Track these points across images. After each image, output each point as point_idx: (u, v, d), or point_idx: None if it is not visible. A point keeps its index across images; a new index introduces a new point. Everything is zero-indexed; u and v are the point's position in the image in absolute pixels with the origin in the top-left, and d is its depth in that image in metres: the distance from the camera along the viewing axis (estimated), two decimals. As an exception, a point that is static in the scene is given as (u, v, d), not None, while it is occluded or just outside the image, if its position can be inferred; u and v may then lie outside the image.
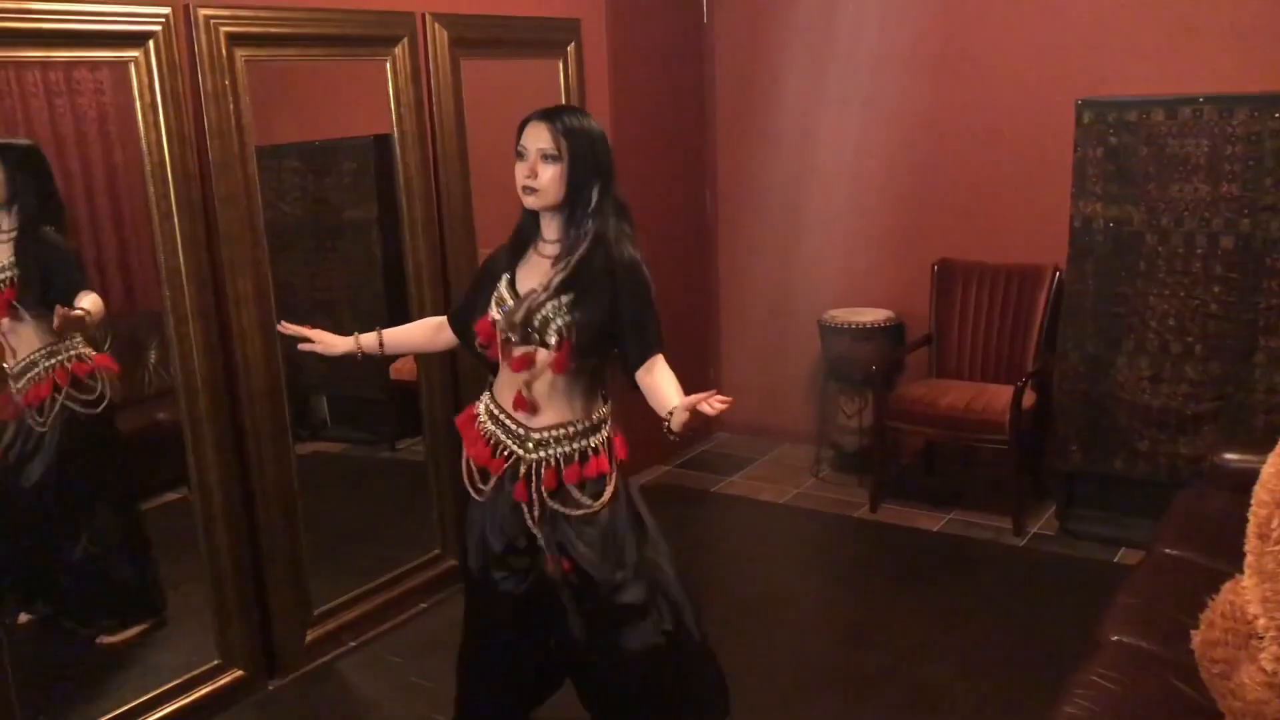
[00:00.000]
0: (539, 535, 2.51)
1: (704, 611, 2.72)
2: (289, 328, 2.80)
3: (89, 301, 3.18)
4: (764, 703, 3.23)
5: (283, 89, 4.47)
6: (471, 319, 2.59)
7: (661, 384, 2.35)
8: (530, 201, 2.42)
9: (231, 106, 3.18)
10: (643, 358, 2.40)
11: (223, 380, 3.24)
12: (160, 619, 3.54)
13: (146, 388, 4.49)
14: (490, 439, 2.55)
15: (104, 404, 3.38)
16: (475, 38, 3.96)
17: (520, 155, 2.41)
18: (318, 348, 2.76)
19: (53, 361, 3.31)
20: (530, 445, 2.50)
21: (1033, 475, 4.63)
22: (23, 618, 3.47)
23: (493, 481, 2.55)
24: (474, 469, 2.58)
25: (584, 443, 2.50)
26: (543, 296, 2.41)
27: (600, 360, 2.50)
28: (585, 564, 2.50)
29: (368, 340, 2.74)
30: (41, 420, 3.30)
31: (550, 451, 2.49)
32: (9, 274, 3.23)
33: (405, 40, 3.70)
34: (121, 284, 4.12)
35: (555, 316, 2.40)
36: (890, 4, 4.95)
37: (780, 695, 3.28)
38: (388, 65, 3.69)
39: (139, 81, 2.97)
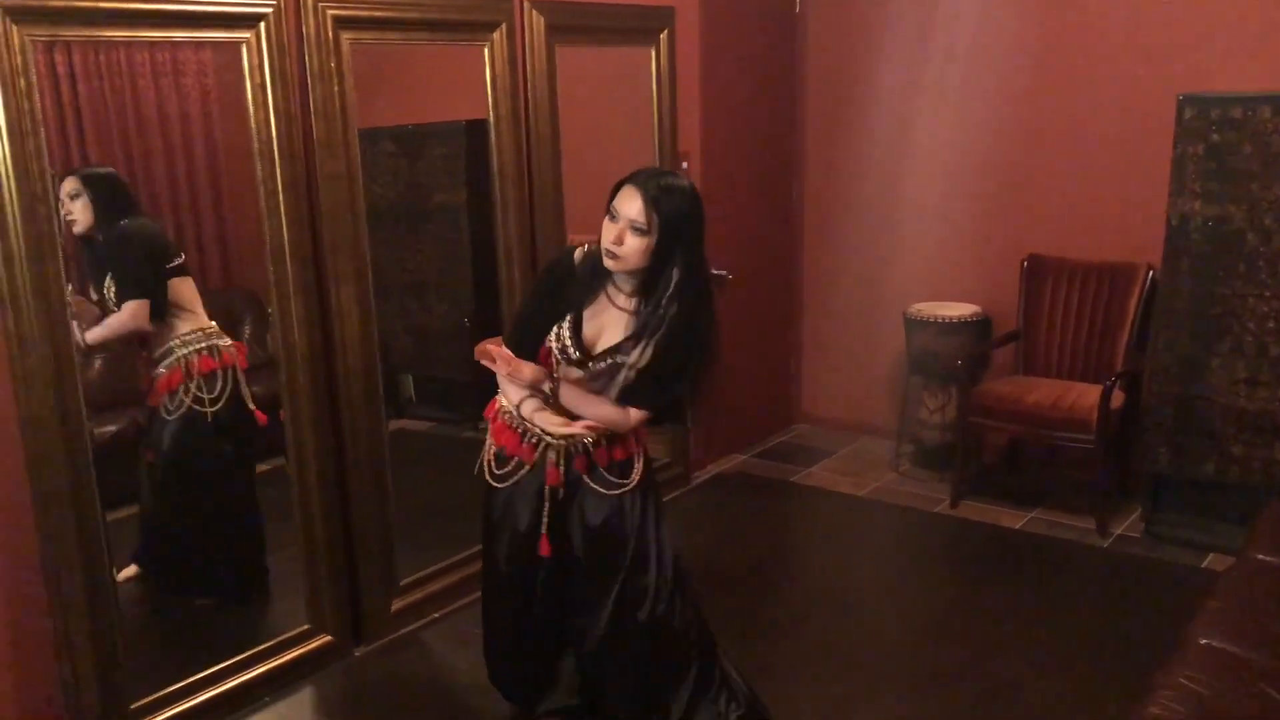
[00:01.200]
0: (545, 519, 2.67)
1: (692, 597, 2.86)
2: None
3: (118, 318, 3.34)
4: (839, 694, 3.24)
5: (378, 73, 4.57)
6: (538, 340, 2.63)
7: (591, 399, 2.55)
8: (611, 265, 2.47)
9: (336, 88, 3.27)
10: (624, 398, 2.53)
11: (322, 355, 3.34)
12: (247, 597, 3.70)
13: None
14: (517, 426, 2.65)
15: (222, 402, 3.52)
16: (571, 24, 4.02)
17: (611, 216, 2.45)
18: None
19: (186, 351, 3.47)
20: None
21: (1119, 477, 4.56)
22: (124, 574, 3.62)
23: (512, 465, 2.68)
24: (493, 459, 2.70)
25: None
26: (621, 367, 2.53)
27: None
28: (601, 545, 2.68)
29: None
30: (170, 410, 3.47)
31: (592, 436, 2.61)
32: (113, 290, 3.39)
33: (504, 26, 3.76)
34: (219, 260, 4.25)
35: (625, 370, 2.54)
36: (987, -5, 4.91)
37: (856, 687, 3.28)
38: (485, 51, 3.75)
39: (250, 62, 3.06)
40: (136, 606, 3.61)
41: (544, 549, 2.67)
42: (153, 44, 3.68)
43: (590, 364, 2.55)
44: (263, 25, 3.05)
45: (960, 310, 4.89)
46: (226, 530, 3.69)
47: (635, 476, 2.67)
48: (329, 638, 3.44)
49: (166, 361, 3.46)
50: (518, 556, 2.75)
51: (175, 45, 3.76)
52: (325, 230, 3.31)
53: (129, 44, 3.63)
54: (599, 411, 2.54)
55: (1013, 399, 4.47)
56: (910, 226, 5.26)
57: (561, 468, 2.64)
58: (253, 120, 3.11)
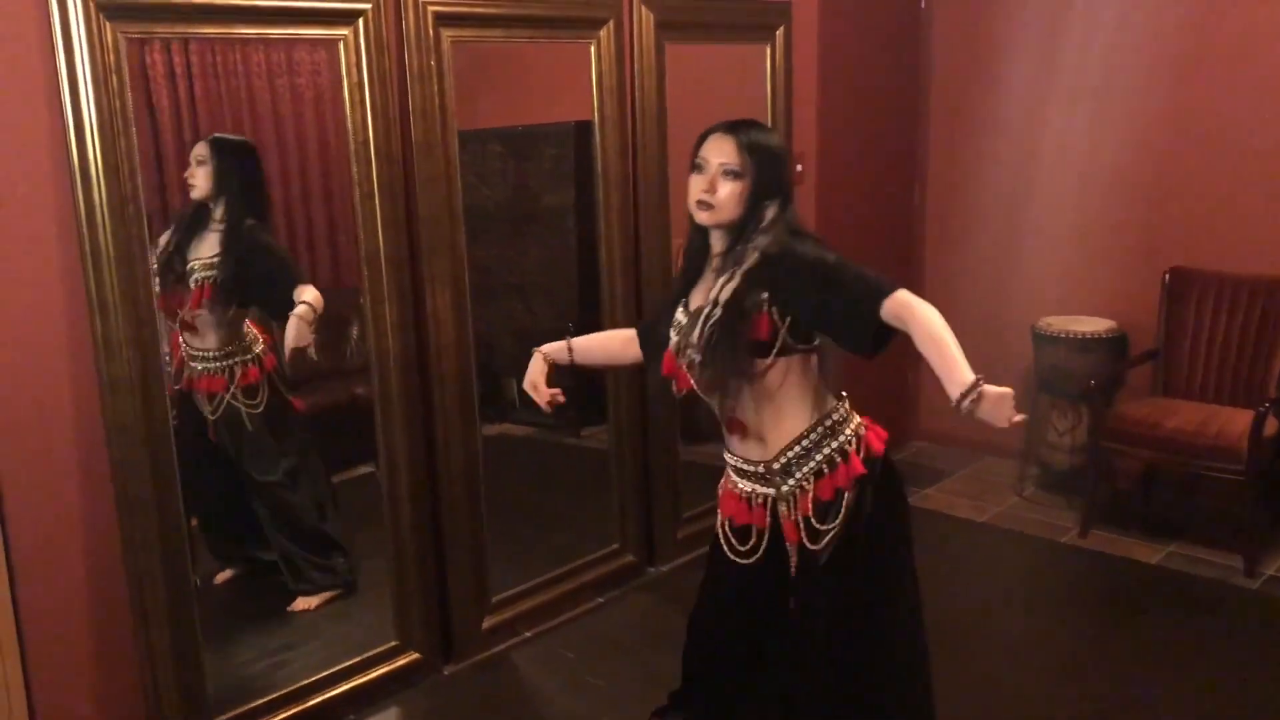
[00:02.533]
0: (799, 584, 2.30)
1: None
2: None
3: (309, 295, 3.23)
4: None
5: (486, 72, 4.48)
6: (659, 346, 2.40)
7: (938, 341, 1.96)
8: (703, 217, 2.22)
9: (436, 87, 3.16)
10: (875, 308, 2.02)
11: (415, 361, 3.23)
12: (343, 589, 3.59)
13: (348, 362, 4.61)
14: (741, 493, 2.35)
15: (263, 407, 3.45)
16: (682, 21, 3.85)
17: (698, 168, 2.22)
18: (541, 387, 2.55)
19: (230, 362, 3.40)
20: (778, 478, 2.26)
21: (1270, 510, 4.16)
22: (220, 577, 3.59)
23: (754, 538, 2.33)
24: (729, 532, 2.38)
25: (830, 447, 2.22)
26: (711, 310, 2.20)
27: (795, 352, 2.21)
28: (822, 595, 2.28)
29: (556, 349, 2.57)
30: (212, 410, 3.39)
31: (799, 475, 2.24)
32: (213, 272, 3.31)
33: (611, 23, 3.61)
34: (330, 260, 4.22)
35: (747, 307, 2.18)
36: (1130, -13, 4.55)
37: (973, 732, 3.03)
38: (592, 48, 3.61)
39: (347, 60, 2.97)
40: (225, 611, 3.59)
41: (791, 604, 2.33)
42: (268, 43, 3.67)
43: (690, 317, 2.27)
44: (361, 22, 2.96)
45: (1094, 325, 4.55)
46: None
47: (838, 520, 2.21)
48: (416, 655, 3.33)
49: (214, 366, 3.39)
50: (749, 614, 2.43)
51: (290, 44, 3.75)
52: (422, 234, 3.20)
53: (244, 43, 3.62)
54: (952, 348, 1.97)
55: (1151, 423, 4.12)
56: (1040, 234, 4.93)
57: (793, 514, 2.26)
58: (349, 120, 3.02)
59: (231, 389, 3.38)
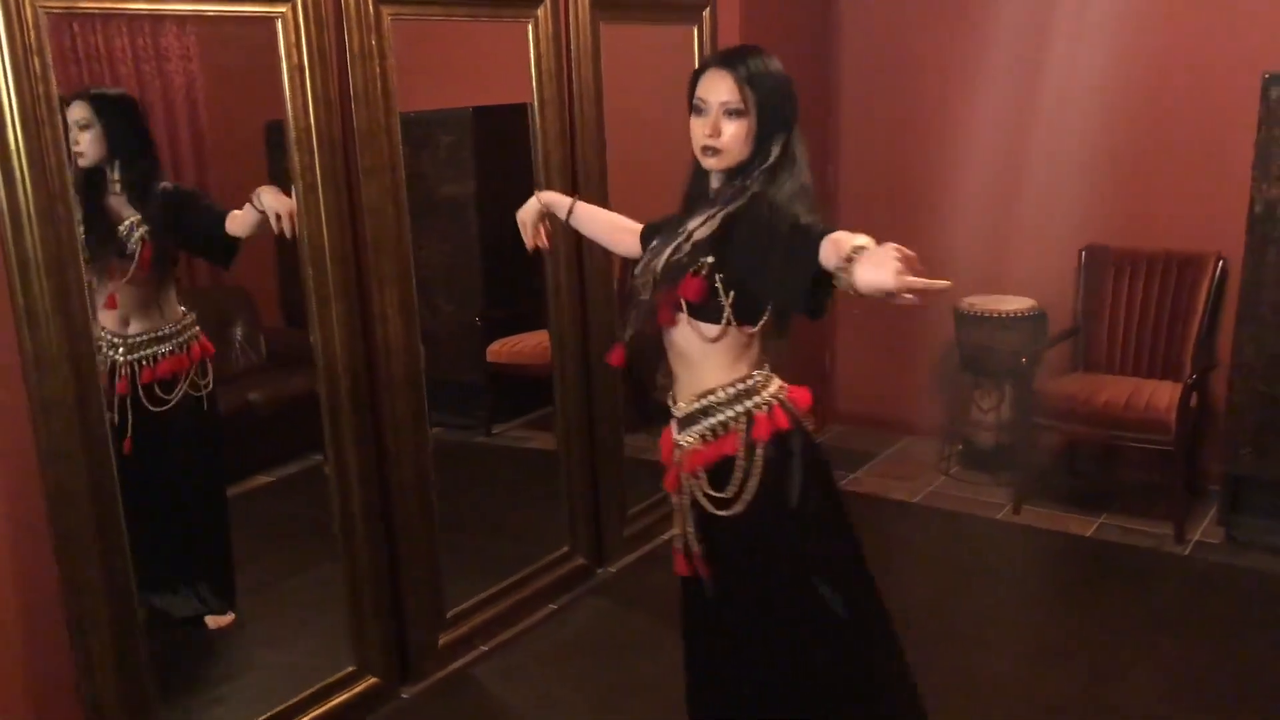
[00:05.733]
0: (686, 531, 2.15)
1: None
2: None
3: (269, 197, 2.91)
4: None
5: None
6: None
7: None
8: (711, 163, 2.04)
9: (378, 69, 2.93)
10: (814, 254, 1.78)
11: (364, 366, 2.99)
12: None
13: (234, 366, 4.32)
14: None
15: (210, 388, 3.24)
16: (616, 0, 3.69)
17: (698, 110, 2.04)
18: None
19: (183, 339, 3.13)
20: (680, 425, 2.15)
21: (1187, 478, 4.30)
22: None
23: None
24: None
25: (725, 414, 2.08)
26: (680, 242, 2.07)
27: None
28: (729, 570, 2.13)
29: (555, 198, 2.57)
30: (167, 400, 3.10)
31: (697, 429, 2.11)
32: (141, 229, 3.02)
33: (547, 2, 3.43)
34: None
35: (689, 265, 2.03)
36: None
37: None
38: (530, 28, 3.43)
39: (285, 40, 2.71)
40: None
41: (678, 567, 2.19)
42: (131, 27, 3.52)
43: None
44: (299, -2, 2.71)
45: (1016, 304, 4.60)
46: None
47: (738, 492, 2.05)
48: (374, 679, 3.10)
49: (168, 346, 3.13)
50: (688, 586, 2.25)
51: (157, 29, 3.61)
52: (368, 227, 2.96)
53: (106, 28, 3.43)
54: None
55: (1083, 399, 4.19)
56: (961, 213, 4.91)
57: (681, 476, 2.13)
58: (289, 106, 2.76)
59: (191, 370, 3.11)
